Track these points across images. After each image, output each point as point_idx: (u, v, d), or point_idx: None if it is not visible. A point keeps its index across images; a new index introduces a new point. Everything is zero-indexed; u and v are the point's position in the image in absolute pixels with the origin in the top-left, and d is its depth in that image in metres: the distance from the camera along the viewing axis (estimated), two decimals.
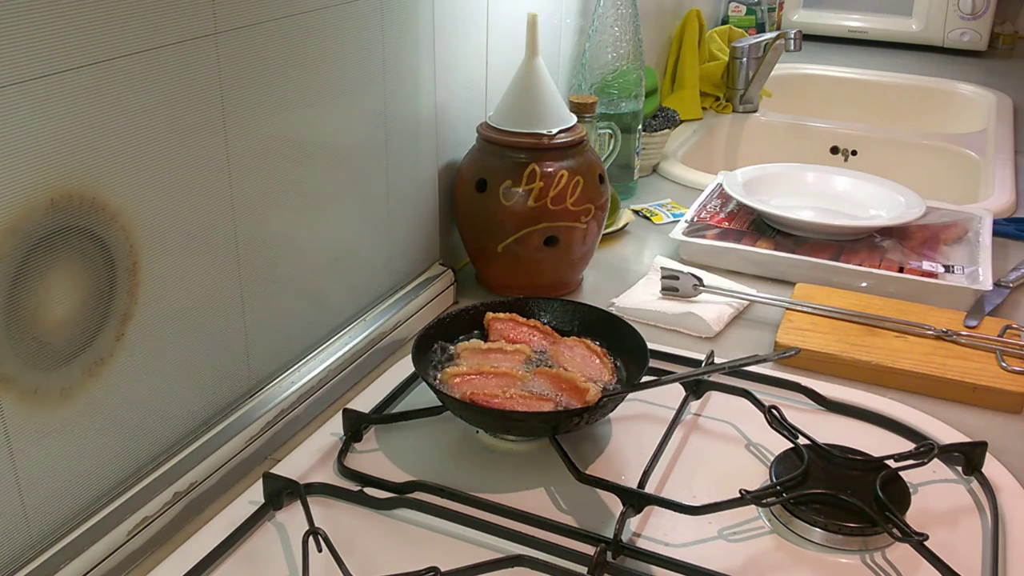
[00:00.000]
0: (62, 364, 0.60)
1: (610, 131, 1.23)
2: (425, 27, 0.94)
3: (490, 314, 0.88)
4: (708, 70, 1.79)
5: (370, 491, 0.72)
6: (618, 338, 0.85)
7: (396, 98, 0.91)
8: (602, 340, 0.86)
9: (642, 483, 0.71)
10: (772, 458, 0.75)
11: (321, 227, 0.84)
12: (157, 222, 0.65)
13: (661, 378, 0.78)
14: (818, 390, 0.86)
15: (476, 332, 0.87)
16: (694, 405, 0.85)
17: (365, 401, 0.83)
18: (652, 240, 1.24)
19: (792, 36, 1.71)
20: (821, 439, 0.74)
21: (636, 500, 0.69)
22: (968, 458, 0.76)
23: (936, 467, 0.76)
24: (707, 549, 0.68)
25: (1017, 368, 0.89)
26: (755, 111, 1.80)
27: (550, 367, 0.81)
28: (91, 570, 0.63)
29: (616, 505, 0.70)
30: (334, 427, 0.80)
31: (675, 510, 0.69)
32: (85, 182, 0.59)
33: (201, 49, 0.66)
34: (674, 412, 0.81)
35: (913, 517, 0.69)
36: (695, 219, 1.21)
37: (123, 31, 0.59)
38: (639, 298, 1.04)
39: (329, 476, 0.74)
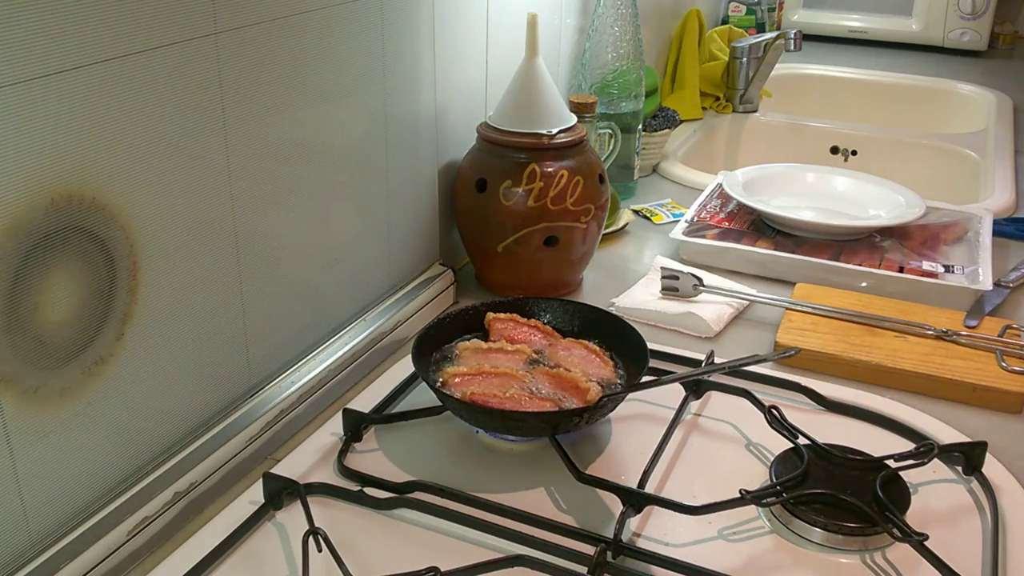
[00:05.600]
0: (62, 364, 0.60)
1: (610, 131, 1.23)
2: (425, 27, 0.94)
3: (491, 314, 0.88)
4: (708, 70, 1.79)
5: (370, 491, 0.72)
6: (618, 338, 0.85)
7: (396, 98, 0.91)
8: (602, 340, 0.86)
9: (642, 483, 0.71)
10: (772, 458, 0.75)
11: (321, 227, 0.84)
12: (157, 222, 0.65)
13: (661, 378, 0.78)
14: (818, 390, 0.85)
15: (476, 332, 0.87)
16: (694, 405, 0.85)
17: (365, 401, 0.83)
18: (652, 240, 1.24)
19: (792, 36, 1.72)
20: (821, 439, 0.74)
21: (636, 500, 0.69)
22: (968, 458, 0.76)
23: (936, 467, 0.76)
24: (707, 549, 0.68)
25: (1017, 368, 0.89)
26: (755, 111, 1.80)
27: (551, 367, 0.81)
28: (91, 570, 0.63)
29: (616, 505, 0.70)
30: (334, 427, 0.80)
31: (675, 510, 0.69)
32: (85, 182, 0.59)
33: (201, 49, 0.66)
34: (674, 412, 0.80)
35: (913, 517, 0.69)
36: (695, 219, 1.21)
37: (123, 31, 0.59)
38: (639, 298, 1.04)
39: (329, 476, 0.74)
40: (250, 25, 0.70)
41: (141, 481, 0.68)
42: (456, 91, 1.04)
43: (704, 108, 1.79)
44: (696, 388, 0.85)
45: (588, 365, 0.82)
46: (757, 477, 0.75)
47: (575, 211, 1.00)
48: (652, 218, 1.30)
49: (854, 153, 1.75)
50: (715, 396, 0.86)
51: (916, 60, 2.24)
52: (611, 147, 1.24)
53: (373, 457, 0.77)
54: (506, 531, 0.68)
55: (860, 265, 1.09)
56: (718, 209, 1.26)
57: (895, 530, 0.66)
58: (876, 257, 1.12)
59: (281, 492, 0.71)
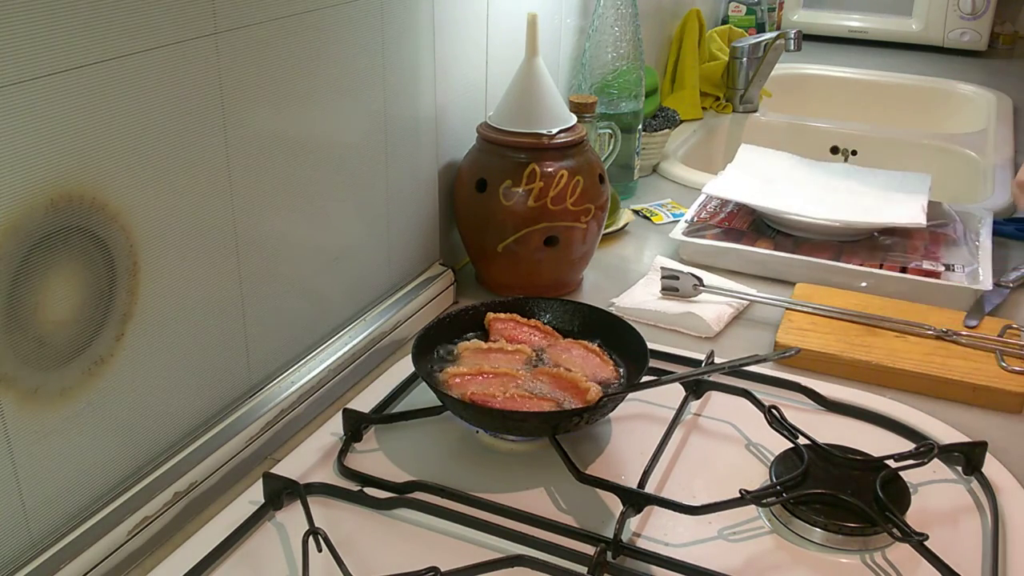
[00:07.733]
0: (62, 364, 0.60)
1: (610, 131, 1.23)
2: (425, 27, 0.94)
3: (491, 314, 0.88)
4: (708, 70, 1.79)
5: (370, 491, 0.72)
6: (618, 338, 0.85)
7: (396, 98, 0.91)
8: (602, 340, 0.86)
9: (642, 483, 0.71)
10: (772, 458, 0.75)
11: (321, 227, 0.84)
12: (157, 222, 0.65)
13: (661, 378, 0.78)
14: (818, 390, 0.85)
15: (476, 332, 0.87)
16: (694, 405, 0.85)
17: (365, 401, 0.83)
18: (652, 240, 1.24)
19: (792, 36, 1.72)
20: (821, 439, 0.74)
21: (636, 500, 0.69)
22: (968, 458, 0.76)
23: (936, 467, 0.76)
24: (707, 549, 0.68)
25: (1017, 368, 0.89)
26: (755, 111, 1.80)
27: (551, 367, 0.81)
28: (91, 570, 0.63)
29: (616, 505, 0.70)
30: (334, 427, 0.80)
31: (675, 510, 0.69)
32: (85, 182, 0.59)
33: (201, 49, 0.66)
34: (674, 412, 0.80)
35: (913, 517, 0.69)
36: (695, 219, 1.21)
37: (123, 31, 0.59)
38: (639, 298, 1.04)
39: (329, 476, 0.74)
40: (250, 25, 0.70)
41: (141, 481, 0.68)
42: (456, 91, 1.03)
43: (704, 108, 1.79)
44: (696, 388, 0.85)
45: (588, 365, 0.82)
46: (757, 477, 0.75)
47: (575, 211, 1.00)
48: (652, 218, 1.30)
49: (854, 153, 1.75)
50: (715, 396, 0.86)
51: (916, 60, 2.24)
52: (611, 147, 1.24)
53: (373, 457, 0.77)
54: (506, 531, 0.68)
55: (860, 265, 1.09)
56: (718, 209, 1.25)
57: (895, 530, 0.66)
58: (877, 257, 1.12)
59: (281, 492, 0.71)
